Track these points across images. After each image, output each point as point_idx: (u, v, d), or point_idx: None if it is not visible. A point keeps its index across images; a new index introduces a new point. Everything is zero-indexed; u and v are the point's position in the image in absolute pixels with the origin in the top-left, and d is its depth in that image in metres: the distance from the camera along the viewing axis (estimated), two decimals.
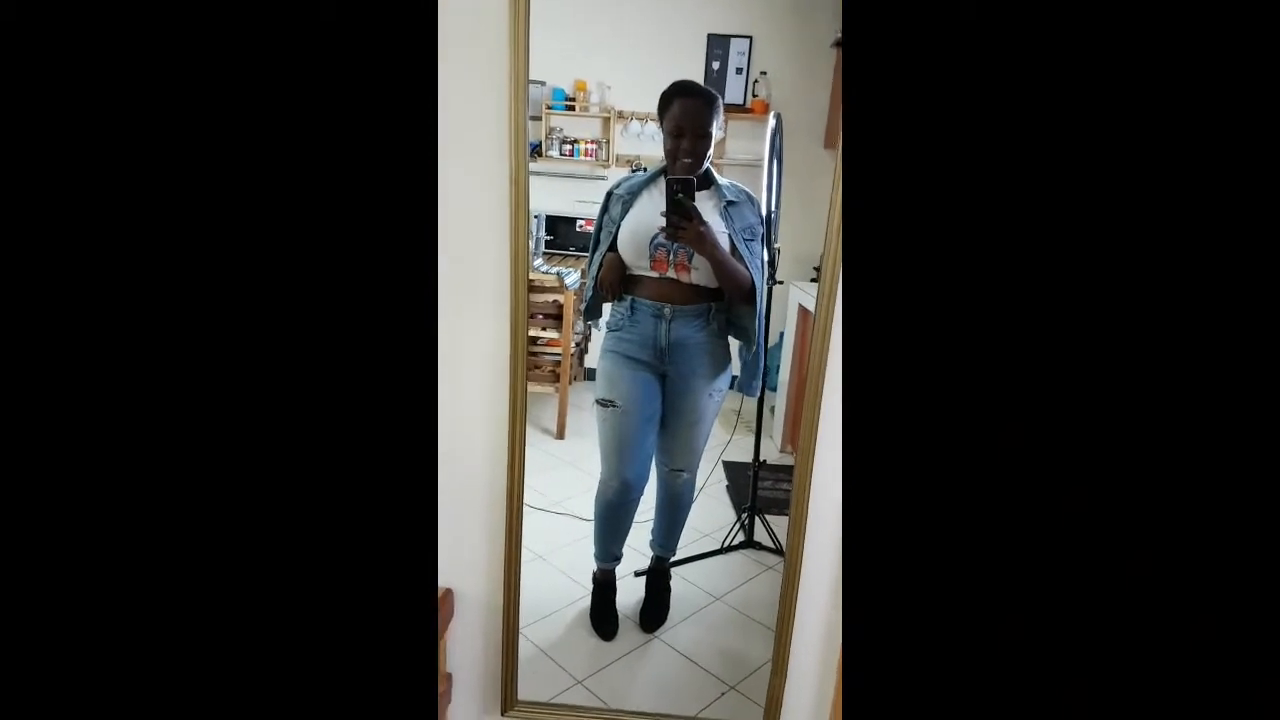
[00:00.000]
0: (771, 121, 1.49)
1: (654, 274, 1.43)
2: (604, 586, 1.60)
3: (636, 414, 1.50)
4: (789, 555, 1.21)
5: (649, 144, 1.90)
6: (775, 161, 1.48)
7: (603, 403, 1.51)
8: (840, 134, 1.03)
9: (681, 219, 1.32)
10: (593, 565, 1.61)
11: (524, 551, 1.69)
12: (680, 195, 1.31)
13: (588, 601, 1.60)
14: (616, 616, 1.57)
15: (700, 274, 1.41)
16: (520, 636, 1.46)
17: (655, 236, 1.40)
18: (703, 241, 1.35)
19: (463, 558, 1.33)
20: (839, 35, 1.29)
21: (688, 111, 1.35)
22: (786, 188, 1.51)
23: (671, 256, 1.41)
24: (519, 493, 1.23)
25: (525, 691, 1.37)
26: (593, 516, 1.59)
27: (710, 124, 1.37)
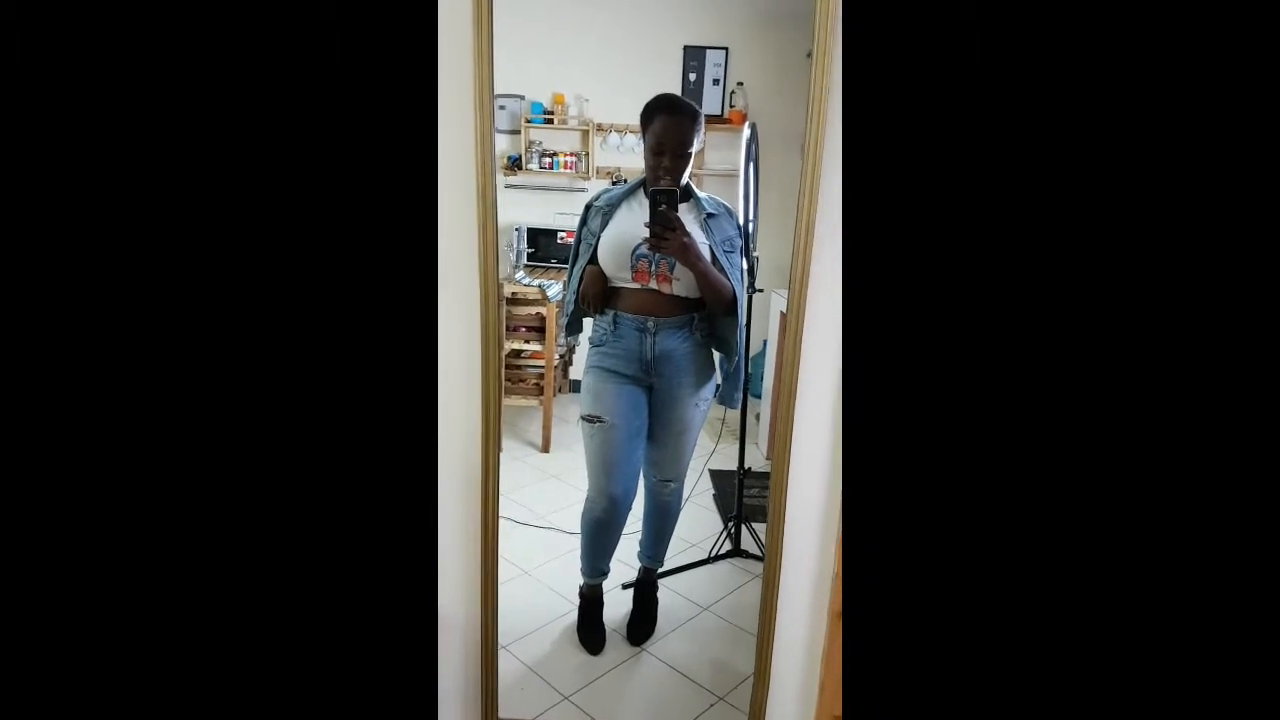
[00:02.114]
0: (746, 131, 1.49)
1: (635, 286, 1.43)
2: (591, 601, 1.59)
3: (624, 428, 1.49)
4: (768, 561, 1.21)
5: (629, 156, 1.90)
6: (751, 170, 1.49)
7: (589, 419, 1.50)
8: (809, 141, 1.03)
9: (665, 230, 1.32)
10: (579, 579, 1.60)
11: (509, 568, 1.68)
12: (664, 207, 1.31)
13: (574, 616, 1.59)
14: (604, 630, 1.56)
15: (682, 285, 1.41)
16: (506, 653, 1.45)
17: (637, 248, 1.40)
18: (686, 252, 1.35)
19: (440, 573, 1.31)
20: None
21: (669, 129, 1.36)
22: (766, 196, 1.51)
23: (653, 268, 1.41)
24: (494, 507, 1.22)
25: (512, 709, 1.35)
26: (579, 532, 1.58)
27: (690, 141, 1.37)
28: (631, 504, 1.55)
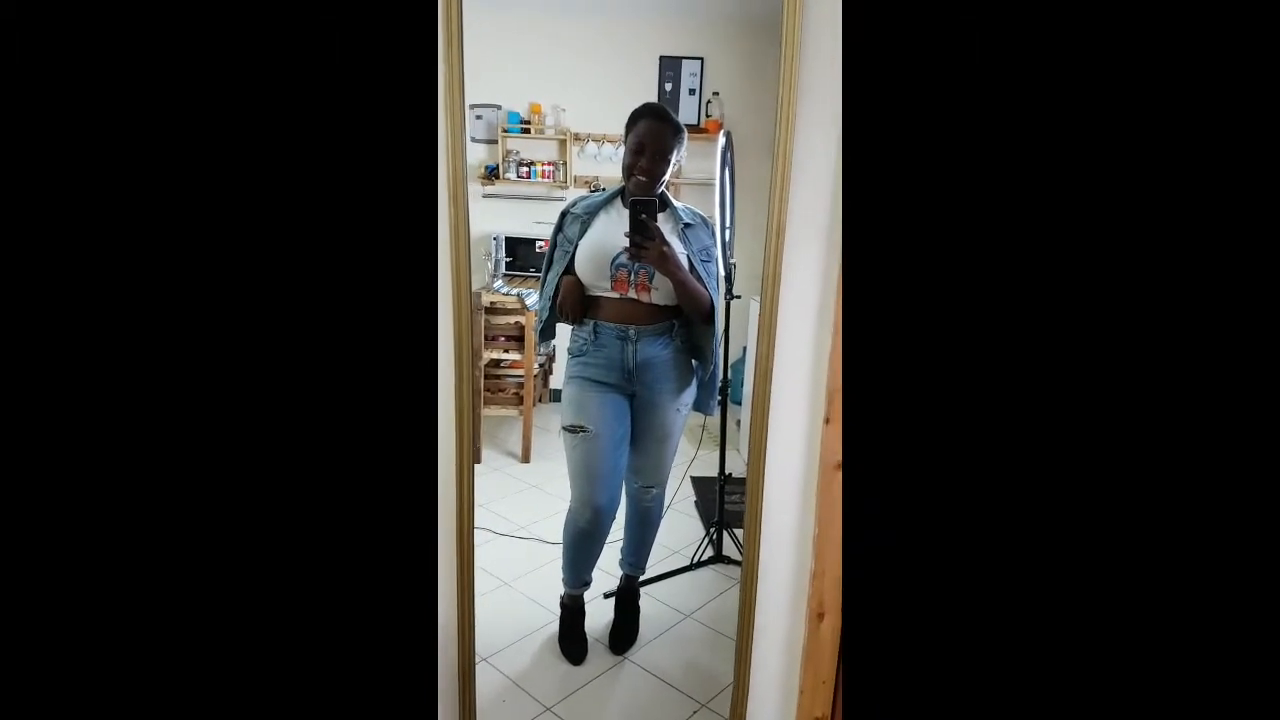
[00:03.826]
0: (721, 139, 1.50)
1: (614, 295, 1.43)
2: (572, 611, 1.58)
3: (607, 437, 1.49)
4: (746, 567, 1.21)
5: (607, 165, 1.91)
6: (728, 178, 1.50)
7: (571, 429, 1.49)
8: (778, 144, 1.04)
9: (645, 239, 1.32)
10: (560, 590, 1.59)
11: (489, 579, 1.67)
12: (643, 216, 1.32)
13: (555, 626, 1.58)
14: (585, 640, 1.56)
15: (660, 294, 1.42)
16: (487, 666, 1.44)
17: (616, 257, 1.40)
18: (666, 261, 1.35)
19: None
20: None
21: (652, 131, 1.37)
22: (743, 204, 1.52)
23: (632, 277, 1.41)
24: (469, 518, 1.21)
25: None
26: (561, 542, 1.58)
27: (671, 148, 1.38)
28: (615, 514, 1.54)
